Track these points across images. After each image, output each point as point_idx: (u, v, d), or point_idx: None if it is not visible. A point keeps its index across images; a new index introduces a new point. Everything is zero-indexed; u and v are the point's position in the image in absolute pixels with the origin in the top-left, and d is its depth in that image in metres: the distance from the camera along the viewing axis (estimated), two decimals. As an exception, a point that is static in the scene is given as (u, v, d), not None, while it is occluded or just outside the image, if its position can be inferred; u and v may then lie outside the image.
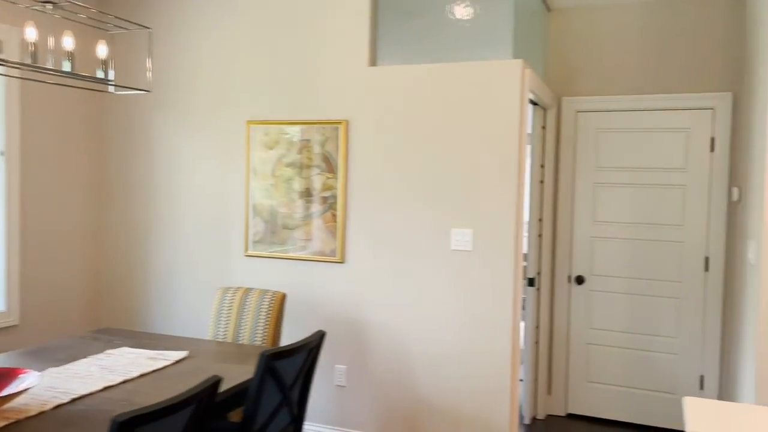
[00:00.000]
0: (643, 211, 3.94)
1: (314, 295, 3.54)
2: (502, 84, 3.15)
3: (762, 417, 1.76)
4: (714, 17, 3.75)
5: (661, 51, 3.86)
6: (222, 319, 3.20)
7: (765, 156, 2.70)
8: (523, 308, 4.07)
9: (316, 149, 3.48)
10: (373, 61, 3.44)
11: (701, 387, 3.84)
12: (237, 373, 2.44)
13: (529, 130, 4.61)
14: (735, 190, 3.54)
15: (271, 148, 3.58)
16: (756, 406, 1.82)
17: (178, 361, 2.59)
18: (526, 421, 3.96)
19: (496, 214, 3.18)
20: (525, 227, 5.32)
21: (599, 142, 4.04)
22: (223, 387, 2.27)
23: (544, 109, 4.05)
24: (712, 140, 3.78)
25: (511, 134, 3.15)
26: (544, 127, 4.07)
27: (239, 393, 2.36)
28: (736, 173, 3.62)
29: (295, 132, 3.52)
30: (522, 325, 4.00)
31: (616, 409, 4.02)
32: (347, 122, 3.44)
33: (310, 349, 2.40)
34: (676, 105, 3.82)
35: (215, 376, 1.83)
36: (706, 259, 3.81)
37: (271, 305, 3.13)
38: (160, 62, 3.88)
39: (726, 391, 3.65)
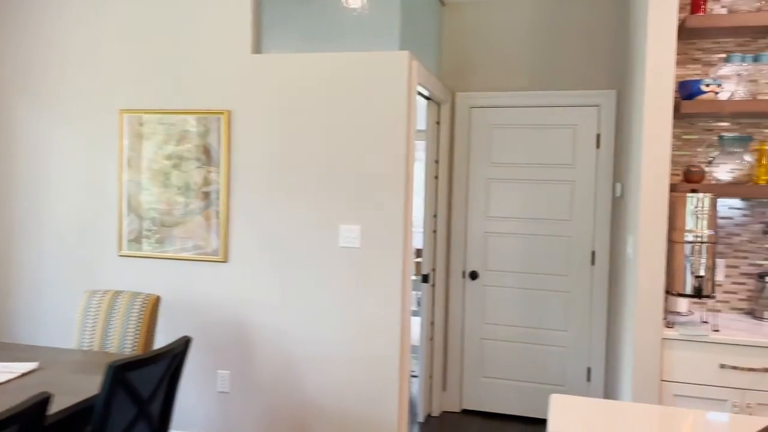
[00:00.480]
0: (534, 207, 3.98)
1: (195, 297, 3.32)
2: (390, 76, 3.06)
3: (625, 414, 1.75)
4: (600, 16, 3.83)
5: (551, 48, 3.90)
6: (88, 325, 2.94)
7: (641, 152, 2.75)
8: (418, 305, 4.02)
9: (196, 141, 3.27)
10: (257, 49, 3.26)
11: (588, 379, 3.92)
12: (91, 386, 2.21)
13: (423, 126, 4.58)
14: (618, 186, 3.63)
15: (147, 139, 3.33)
16: (621, 402, 1.82)
17: (24, 374, 2.33)
18: (420, 418, 3.91)
19: (385, 210, 3.09)
20: (420, 223, 5.30)
21: (492, 138, 4.04)
22: (71, 401, 2.04)
23: (438, 104, 4.01)
24: (598, 137, 3.87)
25: (399, 128, 3.07)
26: (438, 123, 4.03)
27: (90, 408, 2.13)
28: (620, 169, 3.71)
29: (173, 122, 3.29)
30: (418, 321, 3.95)
31: (509, 403, 4.04)
32: (229, 112, 3.24)
33: (173, 357, 2.21)
34: (564, 102, 3.88)
35: (43, 393, 1.62)
36: (593, 254, 3.90)
37: (143, 309, 2.90)
38: (23, 47, 3.53)
39: (611, 383, 3.75)
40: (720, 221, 3.19)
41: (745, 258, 3.16)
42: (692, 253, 2.79)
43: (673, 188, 3.03)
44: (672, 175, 3.23)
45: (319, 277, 3.17)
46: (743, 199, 3.15)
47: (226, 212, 3.24)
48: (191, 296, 3.32)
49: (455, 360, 4.12)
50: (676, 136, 3.24)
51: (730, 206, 3.18)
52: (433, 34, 3.81)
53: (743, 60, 2.91)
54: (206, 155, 3.25)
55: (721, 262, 3.19)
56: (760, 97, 3.01)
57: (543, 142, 3.95)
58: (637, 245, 2.76)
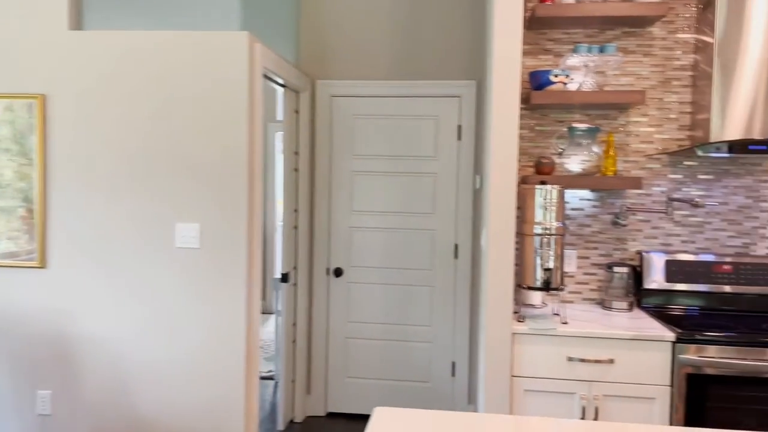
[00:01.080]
0: (397, 200, 3.86)
1: (7, 308, 2.89)
2: (228, 59, 2.79)
3: (448, 425, 1.61)
4: (460, 5, 3.75)
5: (412, 37, 3.78)
6: None
7: (490, 144, 2.67)
8: (278, 307, 3.79)
9: (4, 130, 2.83)
10: (77, 24, 2.88)
11: (453, 374, 3.87)
12: None
13: (280, 116, 4.34)
14: (478, 178, 3.58)
15: (-56, 127, 2.85)
16: (446, 413, 1.68)
17: None
18: (280, 426, 3.69)
19: (227, 207, 2.82)
20: (279, 219, 5.04)
21: (355, 129, 3.87)
22: None
23: (296, 93, 3.78)
24: (459, 128, 3.80)
25: (240, 116, 2.81)
26: (297, 112, 3.80)
27: None
28: (480, 161, 3.66)
29: (-24, 107, 2.84)
30: (280, 322, 3.72)
31: (375, 403, 3.91)
32: (44, 97, 2.84)
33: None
34: (426, 92, 3.78)
35: None
36: (456, 247, 3.83)
37: (-68, 326, 2.46)
38: None
39: (474, 378, 3.70)
40: (571, 213, 3.20)
41: (596, 249, 3.19)
42: (541, 246, 2.75)
43: (525, 180, 2.99)
44: (526, 167, 3.20)
45: (153, 283, 2.86)
46: (593, 190, 3.18)
47: (42, 210, 2.84)
48: (4, 307, 2.89)
49: (319, 362, 3.93)
50: (529, 128, 3.21)
51: (581, 197, 3.20)
52: (289, 18, 3.57)
53: (590, 51, 2.91)
54: (18, 146, 2.83)
55: (572, 254, 3.21)
56: (606, 89, 3.03)
57: (406, 133, 3.83)
58: (487, 238, 2.68)
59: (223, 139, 2.81)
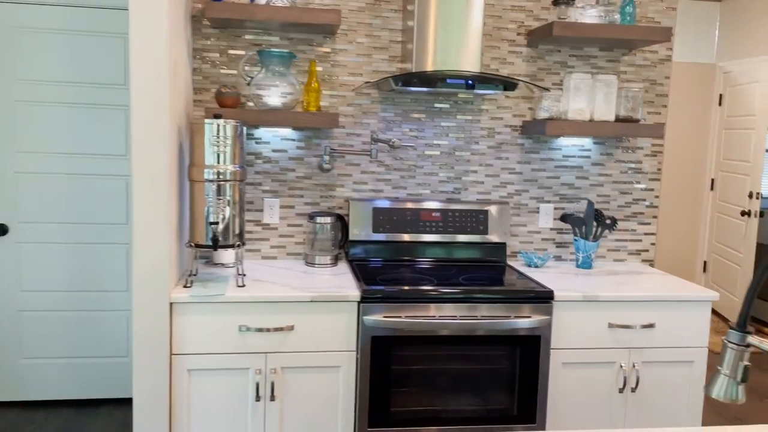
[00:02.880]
0: (81, 138, 3.11)
1: None
2: None
3: None
4: None
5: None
6: None
7: (132, 65, 2.06)
8: None
9: None
10: None
11: (156, 345, 3.30)
12: None
13: None
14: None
15: None
16: None
17: None
18: None
19: None
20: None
21: (18, 45, 3.01)
22: None
23: None
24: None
25: None
26: (-75, 17, 2.83)
27: None
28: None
29: None
30: None
31: (59, 386, 3.22)
32: None
33: None
34: (114, 2, 3.02)
35: None
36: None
37: None
38: None
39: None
40: (273, 155, 2.74)
41: (302, 197, 2.78)
42: (215, 195, 2.24)
43: (209, 115, 2.45)
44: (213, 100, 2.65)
45: None
46: (296, 129, 2.74)
47: None
48: None
49: (-17, 342, 3.12)
50: (220, 51, 2.65)
51: (283, 137, 2.74)
52: None
53: (277, -44, 2.40)
54: None
55: (275, 203, 2.76)
56: (307, 5, 2.55)
57: (88, 54, 3.06)
58: (132, 185, 2.09)
59: None
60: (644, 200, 2.97)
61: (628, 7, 2.70)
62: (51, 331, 3.18)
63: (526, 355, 2.33)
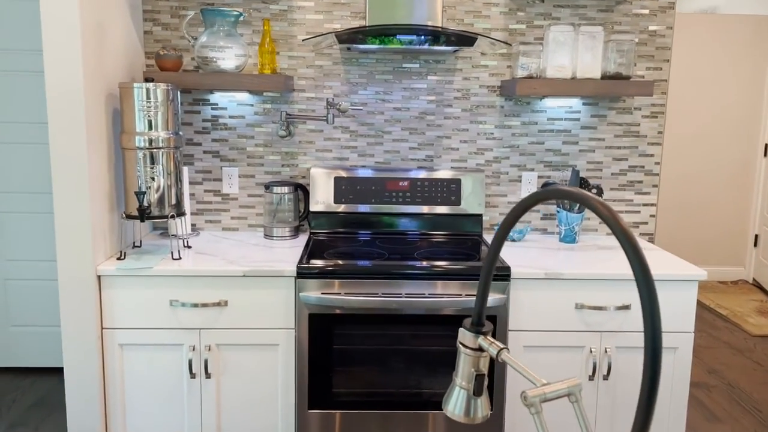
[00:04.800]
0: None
1: None
2: None
3: None
4: None
5: None
6: None
7: (42, 21, 1.96)
8: None
9: None
10: None
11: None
12: None
13: None
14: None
15: None
16: None
17: None
18: None
19: None
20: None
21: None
22: None
23: None
24: None
25: None
26: None
27: None
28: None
29: None
30: None
31: (47, 354, 3.27)
32: None
33: None
34: None
35: None
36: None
37: None
38: None
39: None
40: (230, 121, 2.61)
41: (262, 166, 2.65)
42: (147, 164, 2.14)
43: (149, 79, 2.34)
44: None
45: None
46: (252, 93, 2.59)
47: None
48: None
49: (-26, 309, 3.20)
50: (172, 13, 2.52)
51: (240, 102, 2.60)
52: None
53: None
54: None
55: (233, 172, 2.64)
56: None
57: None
58: (51, 154, 2.01)
59: None
60: (642, 167, 2.66)
61: (619, -52, 2.37)
62: (39, 299, 3.22)
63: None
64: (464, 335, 0.71)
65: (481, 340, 0.69)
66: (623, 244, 0.54)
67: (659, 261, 2.27)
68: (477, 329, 0.69)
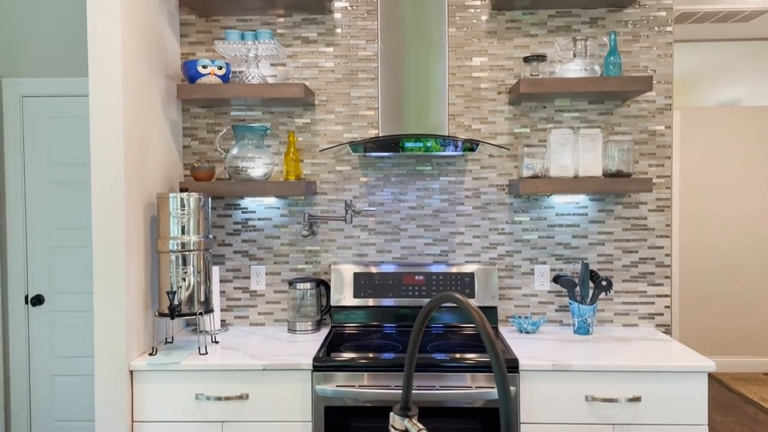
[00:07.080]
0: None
1: None
2: None
3: None
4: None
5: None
6: None
7: (91, 142, 2.24)
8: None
9: None
10: None
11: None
12: None
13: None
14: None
15: None
16: None
17: None
18: (-52, 487, 3.11)
19: None
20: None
21: (52, 133, 3.37)
22: None
23: (-28, 91, 3.24)
24: (167, 131, 3.36)
25: None
26: (-24, 114, 3.26)
27: None
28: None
29: None
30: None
31: (84, 448, 3.39)
32: None
33: None
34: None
35: None
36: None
37: None
38: None
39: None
40: (258, 223, 2.83)
41: (287, 263, 2.83)
42: (178, 265, 2.35)
43: (183, 189, 2.59)
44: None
45: None
46: (279, 197, 2.82)
47: None
48: None
49: (21, 403, 3.37)
50: (208, 129, 2.81)
51: (267, 206, 2.83)
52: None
53: (243, 38, 2.55)
54: None
55: (260, 270, 2.83)
56: (282, 81, 2.67)
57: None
58: (94, 258, 2.23)
59: None
60: (653, 259, 2.73)
61: (612, 57, 2.58)
62: (80, 395, 3.38)
63: (493, 430, 2.17)
64: (393, 418, 0.81)
65: (407, 423, 0.79)
66: (483, 337, 0.66)
67: (668, 352, 2.30)
68: (404, 413, 0.80)
